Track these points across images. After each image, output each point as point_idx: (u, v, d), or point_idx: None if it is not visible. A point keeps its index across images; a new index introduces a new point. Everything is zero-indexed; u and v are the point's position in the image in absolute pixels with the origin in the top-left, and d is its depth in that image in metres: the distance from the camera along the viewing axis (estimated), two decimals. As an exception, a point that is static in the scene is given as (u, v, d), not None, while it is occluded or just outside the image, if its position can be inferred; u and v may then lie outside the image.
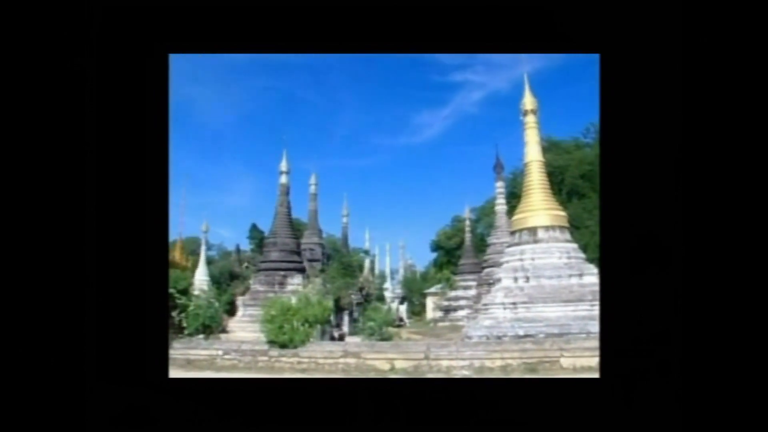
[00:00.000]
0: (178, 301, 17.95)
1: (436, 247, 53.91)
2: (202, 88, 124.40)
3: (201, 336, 17.26)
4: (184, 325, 17.45)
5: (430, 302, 41.48)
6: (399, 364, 13.29)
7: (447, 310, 33.30)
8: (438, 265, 52.10)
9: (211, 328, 18.13)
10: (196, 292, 22.29)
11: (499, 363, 12.69)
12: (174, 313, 17.29)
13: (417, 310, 45.38)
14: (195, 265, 32.56)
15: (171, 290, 17.83)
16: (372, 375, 13.07)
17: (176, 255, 33.86)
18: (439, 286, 41.21)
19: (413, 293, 47.53)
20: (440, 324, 31.78)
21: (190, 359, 15.33)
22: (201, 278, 30.31)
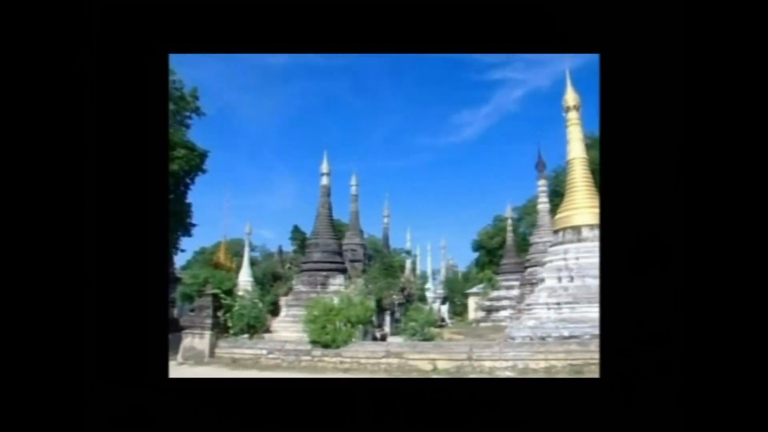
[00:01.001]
0: (223, 302, 18.25)
1: (478, 246, 53.35)
2: (244, 92, 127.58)
3: (246, 335, 17.65)
4: (230, 324, 17.78)
5: (472, 302, 41.24)
6: (441, 365, 13.32)
7: (489, 311, 33.05)
8: (480, 264, 51.44)
9: (255, 327, 18.31)
10: (240, 293, 22.32)
11: (543, 364, 12.64)
12: (219, 313, 17.63)
13: (459, 311, 44.97)
14: (239, 267, 32.65)
15: (216, 291, 18.25)
16: (414, 375, 13.15)
17: (221, 256, 34.15)
18: (480, 286, 40.55)
19: (455, 293, 47.16)
20: (482, 324, 31.59)
21: (235, 358, 15.85)
22: (245, 279, 30.23)
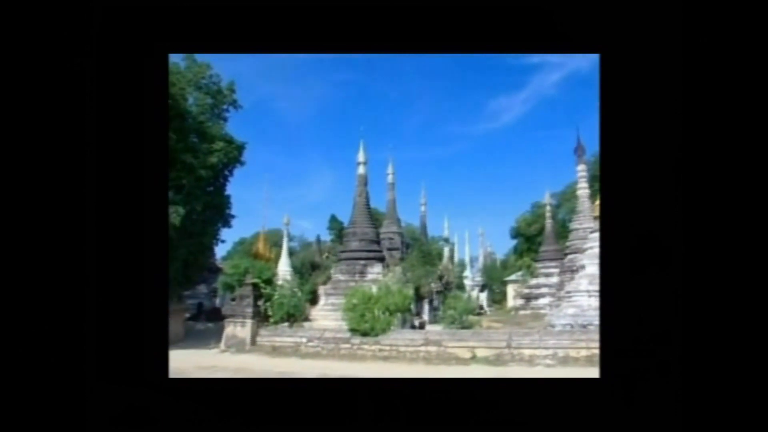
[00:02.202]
0: (263, 291, 18.60)
1: (516, 233, 52.05)
2: (279, 84, 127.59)
3: (285, 324, 17.90)
4: (270, 313, 18.10)
5: (510, 290, 40.75)
6: (480, 353, 13.40)
7: (528, 298, 32.62)
8: (518, 252, 50.43)
9: (295, 316, 18.55)
10: (279, 282, 22.46)
11: (584, 353, 12.55)
12: (260, 302, 17.95)
13: (498, 299, 44.50)
14: (278, 257, 32.28)
15: (256, 280, 18.61)
16: (453, 363, 13.30)
17: (260, 247, 33.91)
18: (519, 273, 40.13)
19: (493, 281, 46.60)
20: (521, 312, 31.25)
21: (275, 346, 16.20)
22: (284, 269, 29.63)
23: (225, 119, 21.23)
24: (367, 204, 27.44)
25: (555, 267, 31.72)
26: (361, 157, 27.17)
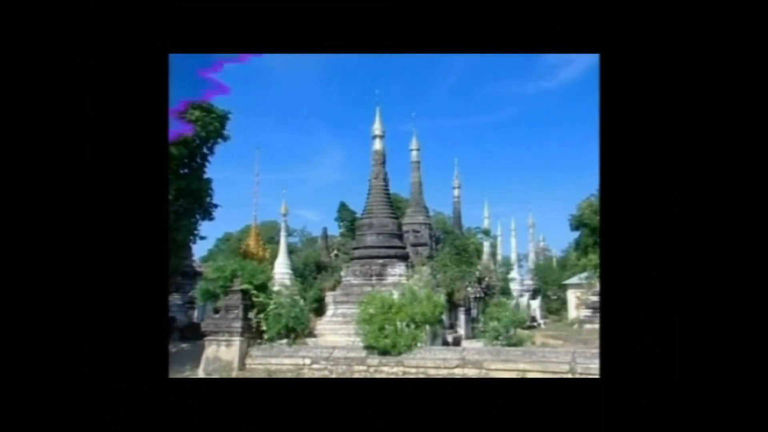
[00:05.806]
0: (255, 300, 15.07)
1: (579, 224, 40.24)
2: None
3: (284, 341, 14.55)
4: (264, 328, 14.53)
5: (572, 297, 34.61)
6: (534, 378, 10.79)
7: (596, 308, 26.00)
8: (581, 247, 39.57)
9: (295, 331, 14.98)
10: (276, 288, 18.12)
11: None
12: (251, 314, 14.58)
13: (555, 307, 38.25)
14: (274, 256, 26.51)
15: (246, 286, 15.17)
16: None
17: (251, 244, 27.91)
18: (583, 275, 33.12)
19: (549, 285, 39.79)
20: (588, 326, 26.14)
21: (271, 370, 13.01)
22: (282, 271, 24.45)
23: (200, 80, 17.71)
24: (386, 188, 22.60)
25: (632, 267, 27.35)
26: (377, 128, 22.20)
